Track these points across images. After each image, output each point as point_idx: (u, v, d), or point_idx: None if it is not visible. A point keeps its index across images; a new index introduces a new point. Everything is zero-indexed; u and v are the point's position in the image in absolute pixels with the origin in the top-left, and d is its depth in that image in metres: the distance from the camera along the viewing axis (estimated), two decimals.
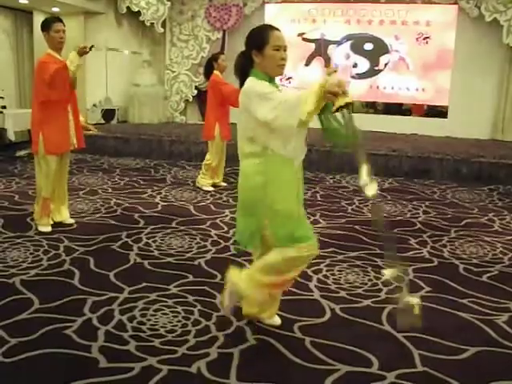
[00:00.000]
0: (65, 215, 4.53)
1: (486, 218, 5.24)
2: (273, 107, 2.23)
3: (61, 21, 4.13)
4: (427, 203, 5.77)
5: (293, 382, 2.35)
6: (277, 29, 2.43)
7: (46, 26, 4.11)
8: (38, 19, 8.92)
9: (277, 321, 2.80)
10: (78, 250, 3.86)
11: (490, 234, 4.66)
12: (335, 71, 2.38)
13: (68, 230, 4.34)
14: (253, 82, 2.37)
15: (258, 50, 2.38)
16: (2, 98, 8.07)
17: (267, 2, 9.66)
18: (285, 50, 2.39)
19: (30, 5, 8.63)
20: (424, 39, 9.31)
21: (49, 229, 4.31)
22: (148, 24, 9.72)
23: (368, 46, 9.55)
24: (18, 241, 4.03)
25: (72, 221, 4.54)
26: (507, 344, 2.69)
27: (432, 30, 9.23)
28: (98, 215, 4.86)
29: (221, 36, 9.72)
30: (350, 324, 2.87)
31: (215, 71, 5.87)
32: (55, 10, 9.03)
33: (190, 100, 10.15)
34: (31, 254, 3.76)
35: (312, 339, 2.67)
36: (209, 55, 9.63)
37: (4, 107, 7.97)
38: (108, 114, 9.59)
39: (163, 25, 9.76)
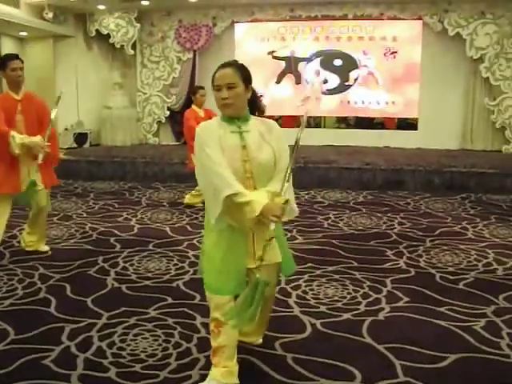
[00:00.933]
0: (40, 245, 4.43)
1: (460, 226, 5.34)
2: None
3: (18, 58, 3.95)
4: (402, 214, 5.85)
5: None
6: (223, 66, 2.31)
7: (1, 65, 3.90)
8: (6, 43, 8.85)
9: (258, 339, 2.78)
10: (53, 277, 3.79)
11: (464, 242, 4.74)
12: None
13: (43, 258, 4.26)
14: (202, 132, 2.31)
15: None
16: None
17: (237, 22, 9.78)
18: (229, 88, 2.25)
19: None
20: (391, 54, 9.53)
21: None
22: (118, 46, 9.74)
23: (337, 62, 9.73)
24: None
25: (47, 248, 4.45)
26: (485, 349, 2.73)
27: (399, 45, 9.47)
28: (73, 241, 4.78)
29: (191, 56, 9.79)
30: (331, 338, 2.87)
31: (193, 105, 6.03)
32: (23, 34, 8.97)
33: (163, 121, 10.14)
34: (5, 283, 3.68)
35: (294, 355, 2.67)
36: (180, 75, 9.77)
37: None
38: (80, 138, 9.50)
39: (133, 47, 9.79)
